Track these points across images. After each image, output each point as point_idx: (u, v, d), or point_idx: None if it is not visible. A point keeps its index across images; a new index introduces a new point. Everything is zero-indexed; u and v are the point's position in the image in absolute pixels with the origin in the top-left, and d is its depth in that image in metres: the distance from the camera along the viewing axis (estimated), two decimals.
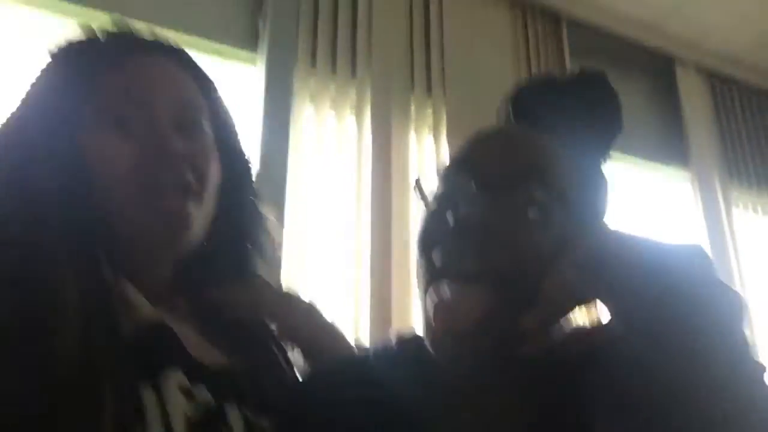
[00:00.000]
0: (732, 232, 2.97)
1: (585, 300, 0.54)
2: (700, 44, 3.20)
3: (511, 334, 0.56)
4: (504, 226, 0.61)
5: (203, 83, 0.78)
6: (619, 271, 0.52)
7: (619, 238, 0.55)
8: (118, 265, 0.64)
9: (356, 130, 2.23)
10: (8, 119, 0.69)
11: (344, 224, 2.10)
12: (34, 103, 0.69)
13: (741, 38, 3.20)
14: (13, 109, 0.69)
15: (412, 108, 2.37)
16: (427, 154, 2.34)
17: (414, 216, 2.08)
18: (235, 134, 0.81)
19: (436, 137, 2.34)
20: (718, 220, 2.97)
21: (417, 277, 0.68)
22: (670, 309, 0.50)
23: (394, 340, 0.80)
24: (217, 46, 2.19)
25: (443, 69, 2.44)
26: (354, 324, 1.95)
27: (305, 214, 2.04)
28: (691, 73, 3.19)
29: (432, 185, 0.70)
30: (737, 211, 3.06)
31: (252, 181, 0.82)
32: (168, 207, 0.67)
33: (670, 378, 0.49)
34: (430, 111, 2.37)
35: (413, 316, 1.98)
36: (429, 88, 2.40)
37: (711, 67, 3.25)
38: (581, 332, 0.56)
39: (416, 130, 2.36)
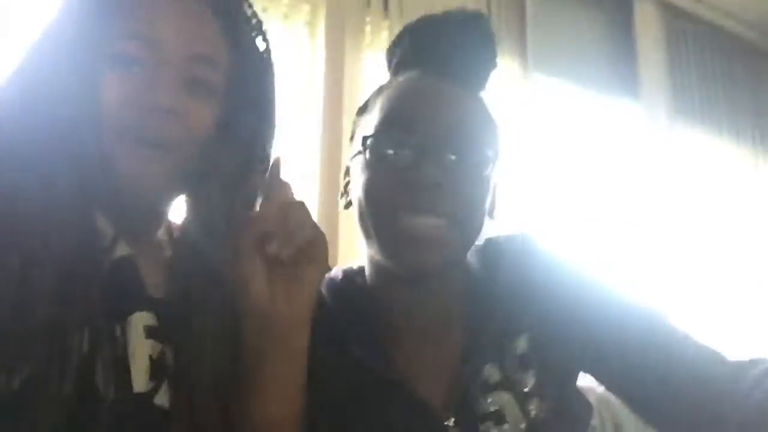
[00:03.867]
0: (675, 166, 3.05)
1: None
2: None
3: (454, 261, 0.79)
4: (464, 187, 0.75)
5: (234, 31, 0.73)
6: None
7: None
8: (107, 205, 0.66)
9: (309, 48, 2.17)
10: (26, 51, 0.67)
11: (292, 144, 2.07)
12: (47, 37, 0.67)
13: None
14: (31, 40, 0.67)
15: (368, 28, 2.30)
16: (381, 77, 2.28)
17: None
18: (264, 95, 0.76)
19: None
20: (663, 153, 3.03)
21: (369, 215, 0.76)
22: None
23: (341, 274, 0.83)
24: None
25: None
26: None
27: None
28: (648, 6, 3.18)
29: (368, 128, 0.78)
30: (682, 147, 3.13)
31: (267, 144, 0.77)
32: (141, 160, 0.65)
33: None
34: (386, 33, 2.31)
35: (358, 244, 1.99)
36: (386, 8, 2.33)
37: (668, 1, 3.25)
38: None
39: (371, 51, 2.30)
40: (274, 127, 0.77)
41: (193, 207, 0.73)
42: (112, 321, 0.63)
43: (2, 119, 0.63)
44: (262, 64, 0.76)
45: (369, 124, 0.79)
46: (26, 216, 0.59)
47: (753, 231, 3.27)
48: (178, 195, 0.74)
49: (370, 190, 0.76)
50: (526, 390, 0.76)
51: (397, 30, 0.88)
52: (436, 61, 0.80)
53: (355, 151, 0.80)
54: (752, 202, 3.35)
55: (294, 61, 2.14)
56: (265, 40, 0.77)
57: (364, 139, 0.77)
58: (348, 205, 0.84)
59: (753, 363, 0.70)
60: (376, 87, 0.85)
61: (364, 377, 0.75)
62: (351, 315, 0.80)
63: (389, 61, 0.87)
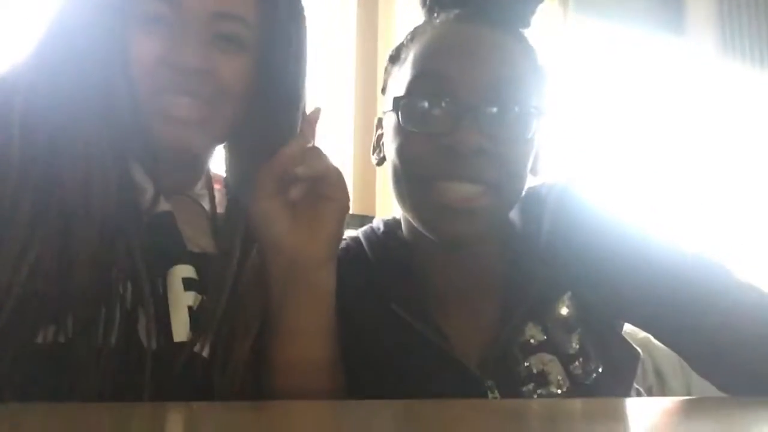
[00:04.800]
0: (723, 104, 2.93)
1: None
2: None
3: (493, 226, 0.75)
4: (508, 149, 0.71)
5: None
6: None
7: None
8: (145, 161, 0.68)
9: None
10: (56, 13, 0.67)
11: (326, 92, 2.04)
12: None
13: None
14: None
15: None
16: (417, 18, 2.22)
17: None
18: (297, 45, 0.74)
19: None
20: (711, 90, 2.91)
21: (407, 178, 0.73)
22: None
23: (382, 226, 0.82)
24: None
25: None
26: None
27: None
28: None
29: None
30: (730, 83, 3.00)
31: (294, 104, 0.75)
32: (175, 118, 0.66)
33: None
34: None
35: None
36: None
37: None
38: None
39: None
40: (306, 77, 0.75)
41: (232, 162, 0.74)
42: (153, 274, 0.64)
43: (38, 80, 0.64)
44: (293, 13, 0.74)
45: (401, 78, 0.75)
46: (66, 174, 0.61)
47: None
48: (217, 148, 0.74)
49: (404, 155, 0.72)
50: (570, 353, 0.74)
51: None
52: None
53: (388, 108, 0.76)
54: None
55: (326, 4, 2.10)
56: None
57: (396, 100, 0.73)
58: (381, 161, 0.81)
59: None
60: (410, 30, 0.80)
61: (404, 335, 0.74)
62: (392, 271, 0.78)
63: (423, 0, 0.82)
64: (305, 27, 0.75)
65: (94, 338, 0.58)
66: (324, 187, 0.66)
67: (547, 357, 0.74)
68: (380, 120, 0.82)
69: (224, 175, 0.76)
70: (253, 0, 0.70)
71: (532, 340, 0.74)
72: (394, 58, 0.80)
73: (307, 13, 0.76)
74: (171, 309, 0.65)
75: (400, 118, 0.72)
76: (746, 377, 0.68)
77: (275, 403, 0.64)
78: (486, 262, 0.78)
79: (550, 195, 0.80)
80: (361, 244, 0.82)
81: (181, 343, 0.64)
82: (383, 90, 0.82)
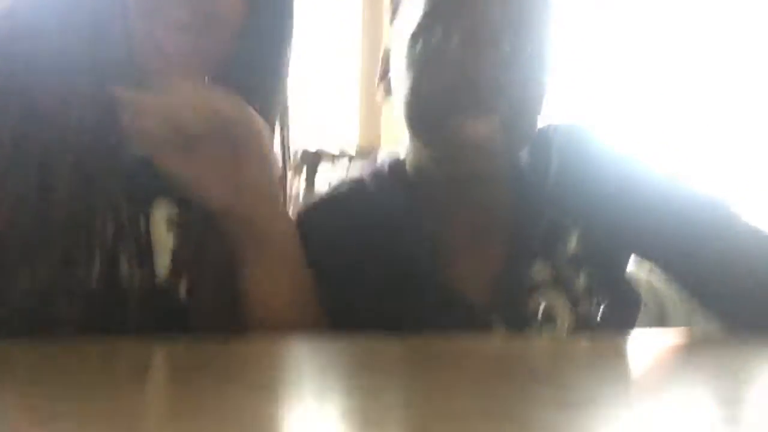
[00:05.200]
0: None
1: None
2: None
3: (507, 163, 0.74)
4: (524, 83, 0.69)
5: None
6: None
7: None
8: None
9: None
10: None
11: (331, 30, 1.99)
12: None
13: None
14: None
15: None
16: None
17: None
18: None
19: None
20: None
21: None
22: None
23: (387, 167, 0.80)
24: None
25: None
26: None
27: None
28: None
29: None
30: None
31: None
32: (167, 42, 0.63)
33: None
34: None
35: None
36: None
37: None
38: None
39: None
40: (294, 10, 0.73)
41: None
42: (135, 209, 0.63)
43: (18, 7, 0.62)
44: None
45: (414, 9, 0.72)
46: (45, 103, 0.59)
47: None
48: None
49: (419, 88, 0.70)
50: (577, 291, 0.75)
51: None
52: None
53: (399, 39, 0.73)
54: None
55: None
56: None
57: (412, 32, 0.70)
58: (388, 93, 0.79)
59: None
60: None
61: (411, 274, 0.74)
62: (398, 209, 0.77)
63: None
64: None
65: (75, 276, 0.58)
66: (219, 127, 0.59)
67: (554, 295, 0.74)
68: (387, 51, 0.79)
69: None
70: None
71: (539, 278, 0.74)
72: None
73: None
74: (153, 248, 0.64)
75: (417, 50, 0.70)
76: (748, 308, 0.69)
77: (266, 338, 0.63)
78: (494, 201, 0.77)
79: (556, 134, 0.79)
80: (365, 183, 0.80)
81: (162, 283, 0.64)
82: (391, 20, 0.79)
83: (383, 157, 0.85)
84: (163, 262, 0.64)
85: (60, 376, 0.41)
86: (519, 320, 0.73)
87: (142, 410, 0.32)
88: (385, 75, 0.79)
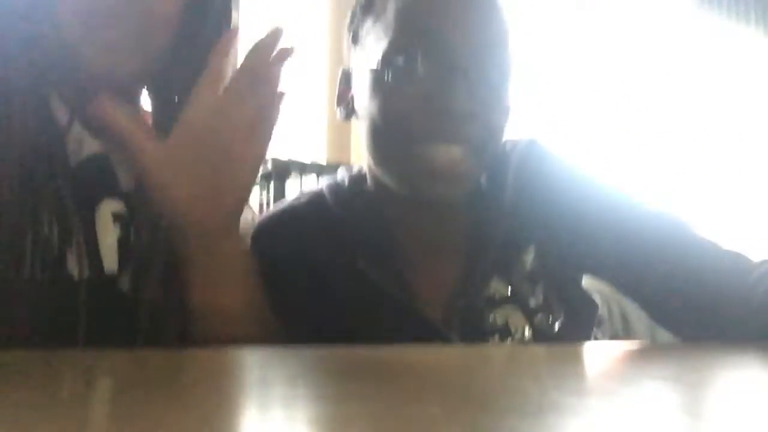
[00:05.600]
0: (701, 58, 2.93)
1: None
2: None
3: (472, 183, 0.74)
4: (492, 111, 0.70)
5: None
6: None
7: None
8: (76, 97, 0.64)
9: None
10: None
11: (299, 43, 2.00)
12: None
13: None
14: None
15: None
16: None
17: None
18: None
19: None
20: (689, 45, 2.91)
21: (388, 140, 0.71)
22: None
23: (347, 180, 0.80)
24: None
25: None
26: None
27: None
28: None
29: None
30: (708, 37, 3.00)
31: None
32: (101, 43, 0.62)
33: None
34: None
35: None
36: None
37: None
38: None
39: None
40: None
41: (158, 98, 0.70)
42: (82, 209, 0.62)
43: None
44: None
45: (382, 31, 0.71)
46: None
47: None
48: (145, 85, 0.70)
49: (387, 114, 0.69)
50: (533, 305, 0.75)
51: None
52: None
53: (365, 62, 0.73)
54: None
55: None
56: None
57: (381, 55, 0.69)
58: (349, 115, 0.78)
59: (764, 262, 0.68)
60: None
61: (368, 290, 0.73)
62: (357, 225, 0.77)
63: None
64: None
65: (22, 274, 0.57)
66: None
67: (511, 310, 0.74)
68: (345, 72, 0.79)
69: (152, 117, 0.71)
70: None
71: (496, 295, 0.75)
72: (367, 8, 0.75)
73: None
74: (100, 243, 0.63)
75: (386, 75, 0.69)
76: (703, 324, 0.70)
77: (213, 349, 0.61)
78: (452, 217, 0.77)
79: (514, 151, 0.80)
80: (324, 197, 0.80)
81: (108, 277, 0.63)
82: (354, 41, 0.78)
83: (343, 170, 0.84)
84: (108, 255, 0.64)
85: None
86: (476, 336, 0.73)
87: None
88: (345, 95, 0.78)
